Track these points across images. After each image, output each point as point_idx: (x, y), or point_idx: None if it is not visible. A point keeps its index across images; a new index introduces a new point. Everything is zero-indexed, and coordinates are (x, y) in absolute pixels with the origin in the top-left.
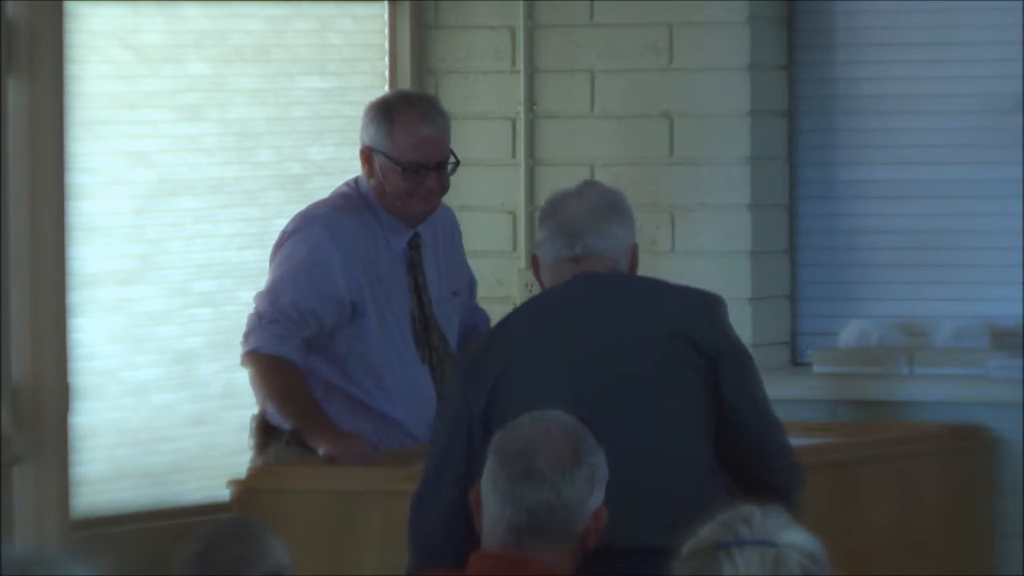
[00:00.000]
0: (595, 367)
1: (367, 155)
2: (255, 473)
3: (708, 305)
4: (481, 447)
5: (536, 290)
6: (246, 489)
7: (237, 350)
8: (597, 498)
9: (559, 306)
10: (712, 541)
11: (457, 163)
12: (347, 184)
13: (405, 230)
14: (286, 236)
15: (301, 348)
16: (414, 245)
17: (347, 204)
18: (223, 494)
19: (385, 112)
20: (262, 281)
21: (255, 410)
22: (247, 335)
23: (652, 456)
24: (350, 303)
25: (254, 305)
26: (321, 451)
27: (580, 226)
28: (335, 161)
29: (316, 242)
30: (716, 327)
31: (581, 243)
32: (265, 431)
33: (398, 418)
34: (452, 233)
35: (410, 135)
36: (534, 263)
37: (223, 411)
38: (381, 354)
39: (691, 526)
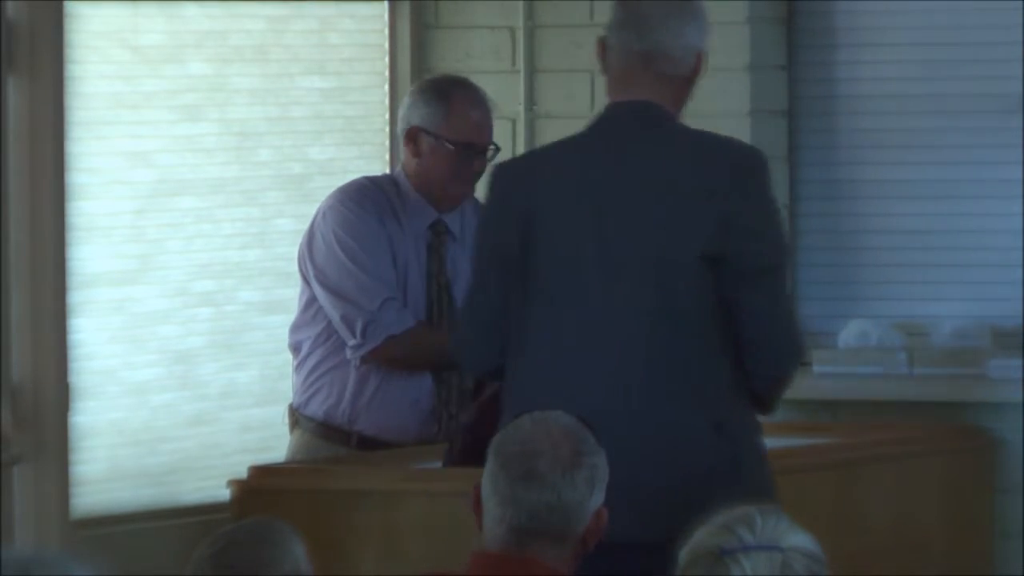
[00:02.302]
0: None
1: (414, 135)
2: (255, 473)
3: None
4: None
5: None
6: (246, 489)
7: (237, 350)
8: (597, 499)
9: (590, 152)
10: (717, 546)
11: (497, 150)
12: (363, 177)
13: (428, 213)
14: (325, 223)
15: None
16: (437, 231)
17: (368, 187)
18: (223, 494)
19: (440, 93)
20: (262, 281)
21: (255, 410)
22: (363, 332)
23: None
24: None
25: (337, 311)
26: None
27: (652, 19)
28: (335, 161)
29: (348, 215)
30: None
31: (650, 37)
32: (294, 416)
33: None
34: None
35: (464, 117)
36: (600, 47)
37: (223, 411)
38: None
39: None
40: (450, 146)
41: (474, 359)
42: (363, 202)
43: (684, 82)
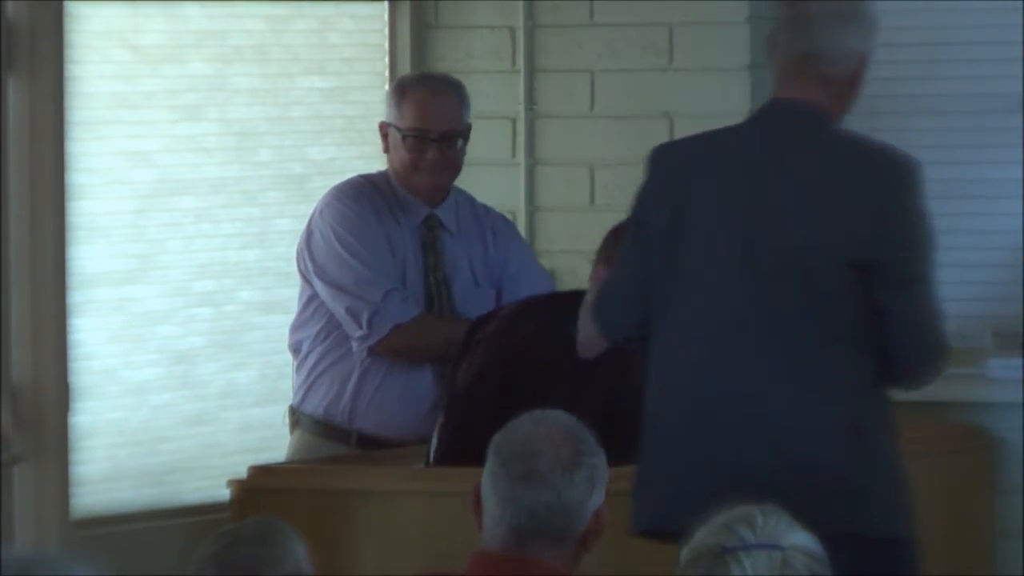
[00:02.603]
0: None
1: (383, 131)
2: (255, 473)
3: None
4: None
5: None
6: (246, 489)
7: (237, 350)
8: (597, 499)
9: (747, 146)
10: (717, 545)
11: (464, 140)
12: (357, 175)
13: (420, 208)
14: (322, 220)
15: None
16: (430, 226)
17: (362, 184)
18: (223, 494)
19: (400, 87)
20: (262, 281)
21: (255, 410)
22: (369, 323)
23: None
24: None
25: (341, 304)
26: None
27: (816, 20)
28: (335, 161)
29: (345, 211)
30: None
31: (812, 38)
32: (294, 416)
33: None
34: (495, 231)
35: (415, 105)
36: (770, 42)
37: (223, 411)
38: None
39: None
40: (400, 135)
41: (610, 325)
42: (359, 198)
43: (846, 84)
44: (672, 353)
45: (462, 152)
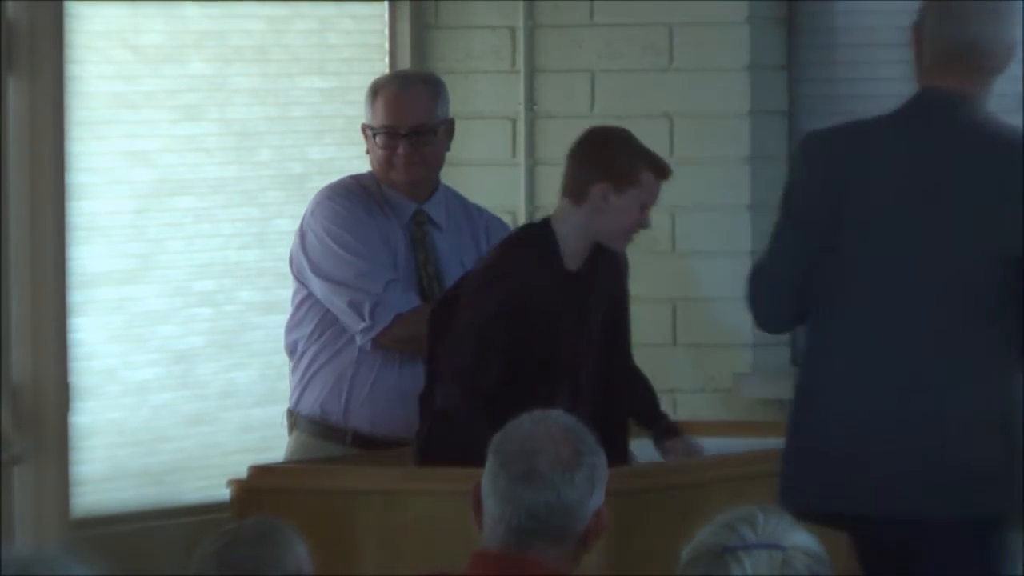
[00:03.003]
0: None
1: (363, 132)
2: (255, 473)
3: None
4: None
5: None
6: (246, 489)
7: (237, 350)
8: (597, 499)
9: (904, 136)
10: (718, 544)
11: (434, 131)
12: (347, 176)
13: (407, 205)
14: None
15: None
16: (419, 221)
17: (350, 183)
18: (223, 494)
19: (372, 86)
20: (262, 281)
21: (255, 410)
22: (372, 314)
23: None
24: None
25: (343, 299)
26: None
27: (970, 13)
28: (335, 161)
29: (337, 208)
30: None
31: (968, 31)
32: (292, 418)
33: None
34: (489, 231)
35: (383, 101)
36: (915, 34)
37: (223, 411)
38: None
39: None
40: (373, 133)
41: (766, 317)
42: (349, 195)
43: (997, 74)
44: (836, 339)
45: (440, 146)
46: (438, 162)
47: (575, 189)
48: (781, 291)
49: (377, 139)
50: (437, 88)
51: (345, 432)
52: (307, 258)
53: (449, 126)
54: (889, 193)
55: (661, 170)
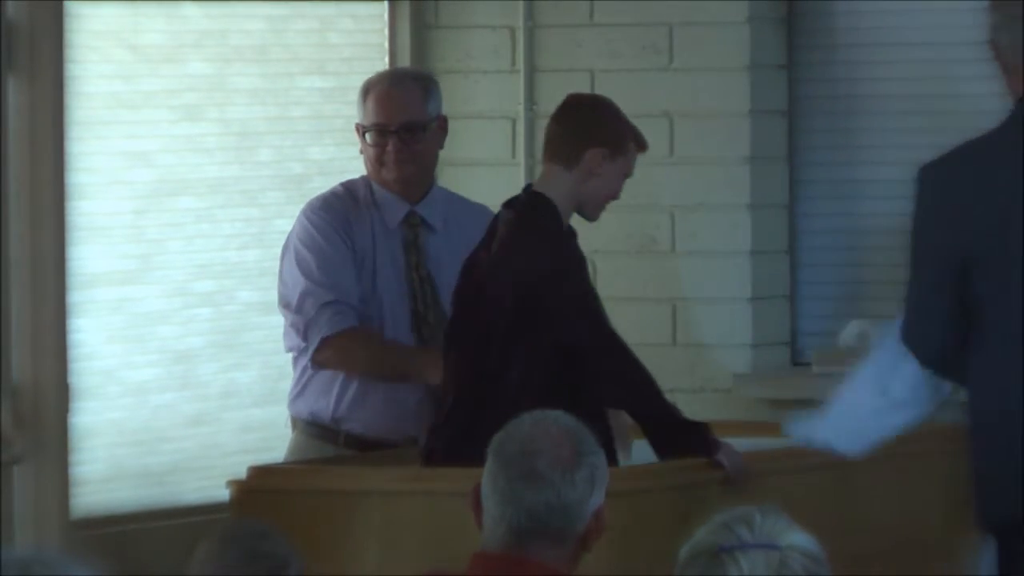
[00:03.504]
0: None
1: (356, 131)
2: (255, 473)
3: None
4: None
5: None
6: (246, 489)
7: (237, 350)
8: (597, 498)
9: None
10: (715, 544)
11: (425, 128)
12: (338, 184)
13: (400, 206)
14: (293, 238)
15: (356, 312)
16: (411, 223)
17: (337, 192)
18: (223, 494)
19: (364, 85)
20: (262, 281)
21: (255, 410)
22: (305, 336)
23: None
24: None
25: (288, 321)
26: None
27: None
28: (335, 161)
29: (307, 225)
30: None
31: None
32: (292, 418)
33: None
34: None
35: (374, 100)
36: (994, 48)
37: (223, 411)
38: None
39: None
40: (363, 132)
41: (930, 354)
42: (326, 210)
43: None
44: (1003, 362)
45: (432, 143)
46: (430, 159)
47: (567, 153)
48: (936, 326)
49: (368, 137)
50: (428, 85)
51: (338, 434)
52: (280, 281)
53: (442, 123)
54: (1015, 219)
55: (642, 143)
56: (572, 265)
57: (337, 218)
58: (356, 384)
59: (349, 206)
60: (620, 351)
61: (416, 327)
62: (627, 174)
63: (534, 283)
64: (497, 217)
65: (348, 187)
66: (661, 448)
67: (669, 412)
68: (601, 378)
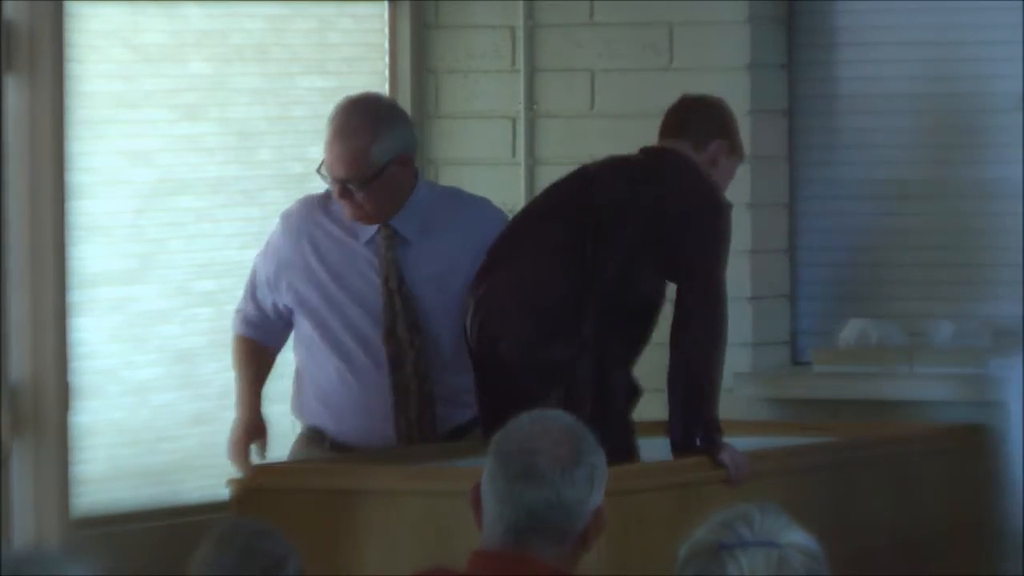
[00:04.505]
0: None
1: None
2: (255, 473)
3: None
4: None
5: None
6: (246, 489)
7: None
8: (597, 498)
9: None
10: (715, 542)
11: (378, 175)
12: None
13: (371, 226)
14: None
15: (262, 325)
16: (385, 235)
17: (299, 204)
18: (223, 494)
19: (329, 117)
20: None
21: None
22: None
23: None
24: (276, 303)
25: None
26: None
27: None
28: None
29: (268, 240)
30: None
31: None
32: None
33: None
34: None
35: (327, 144)
36: None
37: (223, 411)
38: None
39: None
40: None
41: None
42: (286, 219)
43: None
44: None
45: (391, 181)
46: (393, 195)
47: (699, 135)
48: None
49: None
50: (377, 129)
51: (324, 437)
52: None
53: (402, 161)
54: None
55: (743, 153)
56: (729, 215)
57: (298, 233)
58: (330, 389)
59: (317, 217)
60: (718, 307)
61: (385, 339)
62: (732, 176)
63: (701, 205)
64: (597, 164)
65: (322, 196)
66: (672, 430)
67: (703, 397)
68: (685, 318)
